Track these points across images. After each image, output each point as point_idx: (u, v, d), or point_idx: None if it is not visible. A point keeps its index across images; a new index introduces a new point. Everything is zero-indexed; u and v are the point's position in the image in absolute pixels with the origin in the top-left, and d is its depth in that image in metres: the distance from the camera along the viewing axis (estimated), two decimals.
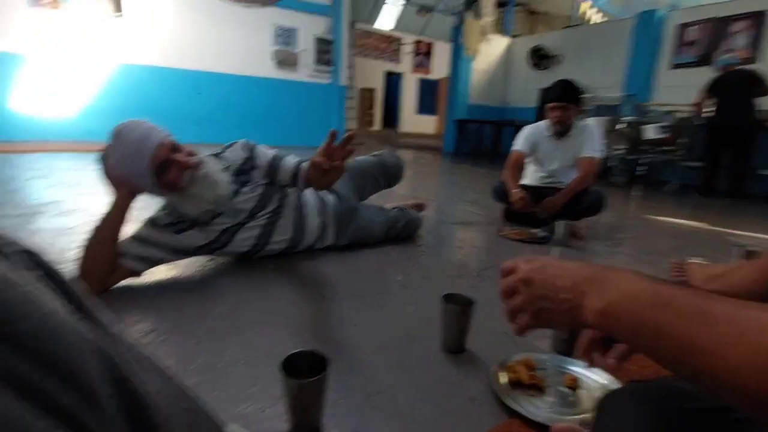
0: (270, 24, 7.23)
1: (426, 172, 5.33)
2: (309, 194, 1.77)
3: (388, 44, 13.02)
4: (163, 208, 1.48)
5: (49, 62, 5.68)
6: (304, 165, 1.51)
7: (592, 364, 0.60)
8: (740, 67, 4.57)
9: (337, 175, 1.33)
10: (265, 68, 7.38)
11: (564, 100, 2.40)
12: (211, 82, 6.90)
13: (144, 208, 1.54)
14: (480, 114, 8.15)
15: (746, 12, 5.13)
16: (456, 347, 1.07)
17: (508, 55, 8.52)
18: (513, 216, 2.55)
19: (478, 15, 6.98)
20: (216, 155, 1.57)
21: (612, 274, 0.45)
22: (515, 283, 0.54)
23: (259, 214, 1.59)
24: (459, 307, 1.05)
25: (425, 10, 11.35)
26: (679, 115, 5.29)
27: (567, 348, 1.05)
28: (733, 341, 0.32)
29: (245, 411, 0.81)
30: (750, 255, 1.74)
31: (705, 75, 4.82)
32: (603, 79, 6.45)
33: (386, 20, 12.85)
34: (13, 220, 2.02)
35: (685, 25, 5.69)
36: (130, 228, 1.37)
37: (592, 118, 5.22)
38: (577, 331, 0.60)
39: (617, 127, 5.46)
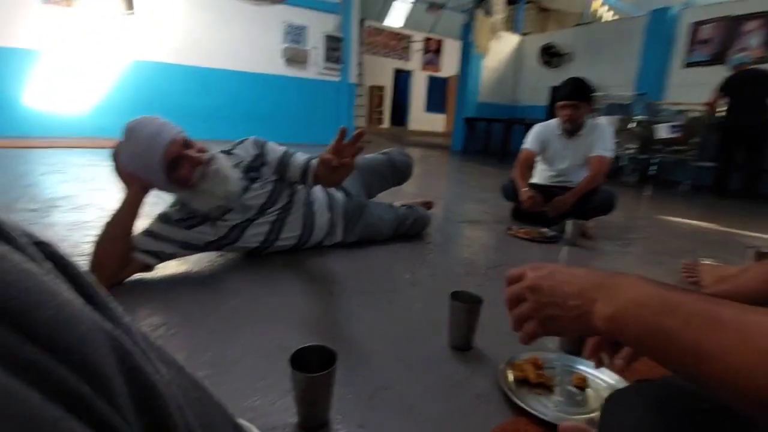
0: (280, 21, 7.25)
1: (434, 171, 5.32)
2: (318, 191, 1.78)
3: (397, 42, 13.00)
4: (174, 203, 1.50)
5: (63, 59, 5.75)
6: (314, 162, 1.52)
7: (599, 364, 0.60)
8: (753, 66, 4.50)
9: (347, 173, 1.33)
10: (275, 66, 7.41)
11: (575, 99, 2.39)
12: (221, 80, 6.94)
13: (156, 203, 1.56)
14: (489, 112, 8.11)
15: (760, 11, 5.04)
16: (463, 345, 1.08)
17: (519, 52, 8.46)
18: (522, 215, 2.54)
19: (488, 12, 6.94)
20: (226, 152, 1.58)
21: (620, 279, 0.45)
22: (522, 291, 0.54)
23: (269, 210, 1.60)
24: (466, 305, 1.05)
25: (435, 7, 11.29)
26: (691, 114, 5.22)
27: (575, 347, 1.04)
28: (742, 347, 0.32)
29: (254, 404, 0.83)
30: (762, 256, 1.72)
31: (718, 74, 4.76)
32: (614, 77, 6.38)
33: (396, 17, 12.83)
34: (28, 214, 2.05)
35: (698, 24, 5.61)
36: (142, 223, 1.39)
37: (603, 117, 5.19)
38: (582, 336, 0.60)
39: (628, 126, 5.41)
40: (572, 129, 2.46)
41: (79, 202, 2.35)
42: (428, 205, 2.45)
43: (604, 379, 0.94)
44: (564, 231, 2.19)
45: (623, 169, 5.41)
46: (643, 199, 4.17)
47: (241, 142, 1.64)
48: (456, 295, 1.08)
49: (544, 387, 0.91)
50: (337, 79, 8.01)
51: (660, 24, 5.91)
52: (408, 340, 1.12)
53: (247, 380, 0.90)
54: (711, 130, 4.84)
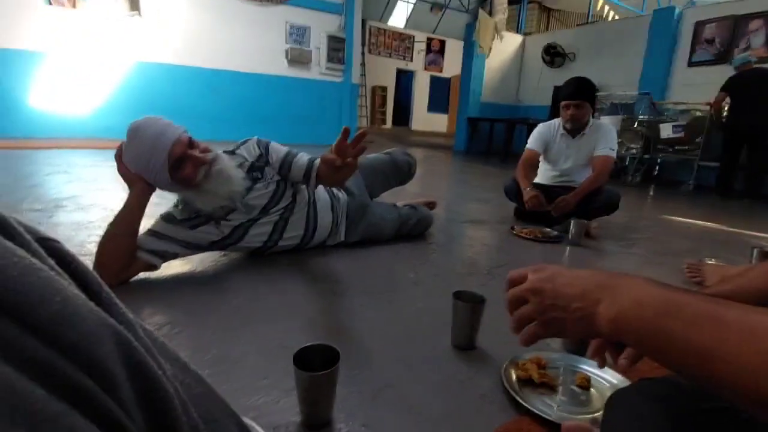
0: (283, 22, 7.27)
1: (437, 171, 5.31)
2: (321, 191, 1.78)
3: (400, 42, 13.00)
4: (178, 203, 1.51)
5: (67, 60, 5.78)
6: (317, 162, 1.52)
7: (603, 364, 0.60)
8: (757, 65, 4.48)
9: (349, 173, 1.33)
10: (278, 66, 7.42)
11: (578, 98, 2.38)
12: (224, 80, 6.97)
13: (159, 203, 1.57)
14: (492, 112, 8.10)
15: (764, 10, 5.02)
16: (466, 344, 1.08)
17: (522, 52, 8.45)
18: (525, 215, 2.54)
19: (491, 12, 6.92)
20: (230, 152, 1.59)
21: (623, 281, 0.45)
22: (523, 293, 0.53)
23: (272, 210, 1.61)
24: (470, 305, 1.05)
25: (438, 7, 11.30)
26: (694, 114, 5.20)
27: (578, 347, 1.04)
28: (745, 348, 0.32)
29: (257, 402, 0.83)
30: (767, 256, 1.71)
31: (722, 73, 4.74)
32: (618, 77, 6.36)
33: (399, 18, 12.84)
34: (33, 214, 2.06)
35: (702, 23, 5.59)
36: (146, 223, 1.40)
37: (606, 117, 5.18)
38: (586, 339, 0.60)
39: (632, 125, 5.39)
40: (575, 129, 2.46)
41: (83, 202, 2.37)
42: (431, 205, 2.45)
43: (607, 379, 0.93)
44: (567, 231, 2.19)
45: (627, 168, 5.39)
46: (647, 198, 4.15)
47: (245, 142, 1.64)
48: (459, 295, 1.08)
49: (548, 387, 0.91)
50: (339, 79, 8.02)
51: (663, 23, 5.89)
52: (411, 340, 1.12)
53: (250, 379, 0.90)
54: (714, 130, 4.82)
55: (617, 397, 0.59)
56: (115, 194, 2.55)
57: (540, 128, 2.60)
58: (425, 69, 13.75)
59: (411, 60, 13.41)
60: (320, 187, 1.76)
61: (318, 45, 7.68)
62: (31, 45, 5.54)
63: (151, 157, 1.29)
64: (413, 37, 13.12)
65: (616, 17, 9.00)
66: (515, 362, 0.97)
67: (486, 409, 0.86)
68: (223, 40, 6.85)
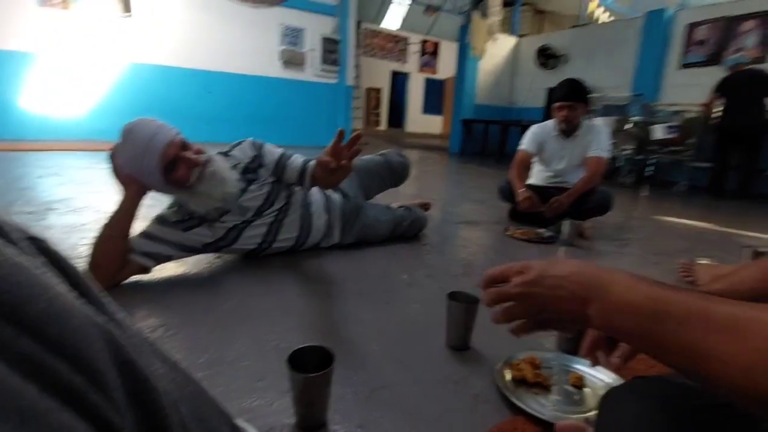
0: (277, 24, 7.26)
1: (432, 172, 5.32)
2: (315, 193, 1.78)
3: (394, 44, 13.01)
4: (172, 205, 1.50)
5: (60, 61, 5.74)
6: (311, 164, 1.52)
7: (596, 363, 0.60)
8: (750, 66, 4.52)
9: (344, 175, 1.33)
10: (273, 68, 7.42)
11: (571, 99, 2.40)
12: (219, 82, 6.95)
13: (153, 205, 1.56)
14: (486, 114, 8.13)
15: (756, 11, 5.07)
16: (461, 345, 1.08)
17: (515, 54, 8.48)
18: (519, 216, 2.55)
19: (485, 14, 6.95)
20: (224, 153, 1.58)
21: (611, 277, 0.44)
22: (510, 297, 0.52)
23: (266, 212, 1.60)
24: (464, 305, 1.06)
25: (432, 9, 11.32)
26: (687, 115, 5.24)
27: (572, 346, 1.05)
28: (736, 346, 0.32)
29: (252, 404, 0.83)
30: (759, 256, 1.73)
31: (714, 75, 4.78)
32: (611, 78, 6.40)
33: (393, 20, 12.83)
34: (24, 216, 2.05)
35: (694, 25, 5.64)
36: (139, 225, 1.39)
37: (599, 118, 5.20)
38: (582, 329, 0.60)
39: (625, 127, 5.42)
40: (569, 130, 2.47)
41: (76, 204, 2.35)
42: (425, 206, 2.46)
43: (601, 378, 0.94)
44: (561, 231, 2.20)
45: (620, 169, 5.43)
46: (640, 199, 4.18)
47: (239, 143, 1.64)
48: (453, 296, 1.09)
49: (542, 386, 0.91)
50: (334, 81, 8.02)
51: (656, 25, 5.94)
52: (405, 341, 1.12)
53: (245, 381, 0.90)
54: (707, 131, 4.86)
55: (611, 396, 0.60)
56: (107, 197, 2.53)
57: (534, 129, 2.61)
58: (420, 71, 13.77)
59: (405, 62, 13.43)
60: (314, 189, 1.76)
61: (313, 47, 7.68)
62: (22, 46, 5.50)
63: (145, 158, 1.29)
64: (408, 38, 13.14)
65: (612, 18, 9.07)
66: (509, 362, 0.97)
67: (480, 409, 0.86)
68: (217, 42, 6.83)
